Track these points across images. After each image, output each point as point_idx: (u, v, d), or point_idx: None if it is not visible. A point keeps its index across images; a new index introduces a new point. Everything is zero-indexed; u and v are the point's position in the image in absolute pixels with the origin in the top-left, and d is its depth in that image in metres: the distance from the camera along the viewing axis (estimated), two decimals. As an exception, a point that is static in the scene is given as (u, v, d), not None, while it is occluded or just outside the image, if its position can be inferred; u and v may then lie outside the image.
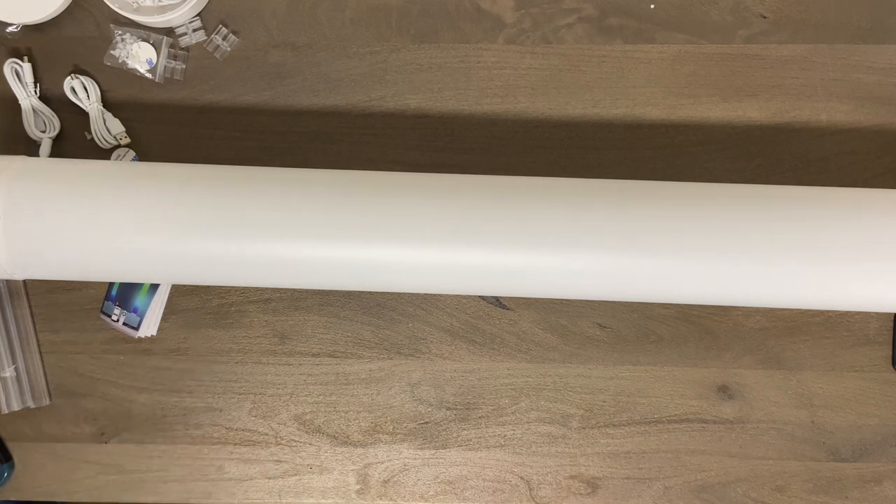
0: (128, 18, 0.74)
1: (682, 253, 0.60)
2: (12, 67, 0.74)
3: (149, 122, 0.75)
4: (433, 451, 0.73)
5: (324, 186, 0.62)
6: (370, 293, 0.74)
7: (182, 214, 0.61)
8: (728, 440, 0.72)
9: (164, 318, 0.74)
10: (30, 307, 0.75)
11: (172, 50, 0.75)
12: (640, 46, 0.73)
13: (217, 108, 0.75)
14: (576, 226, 0.61)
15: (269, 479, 0.73)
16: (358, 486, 0.73)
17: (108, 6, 0.73)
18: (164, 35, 0.74)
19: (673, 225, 0.61)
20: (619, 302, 0.70)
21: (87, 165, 0.66)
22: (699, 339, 0.72)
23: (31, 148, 0.75)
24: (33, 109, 0.74)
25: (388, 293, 0.73)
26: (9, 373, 0.73)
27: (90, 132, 0.74)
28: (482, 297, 0.73)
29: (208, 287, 0.73)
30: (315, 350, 0.73)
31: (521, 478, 0.73)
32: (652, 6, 0.74)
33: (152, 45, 0.74)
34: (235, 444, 0.73)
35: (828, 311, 0.72)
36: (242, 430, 0.73)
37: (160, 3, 0.73)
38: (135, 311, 0.72)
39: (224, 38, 0.75)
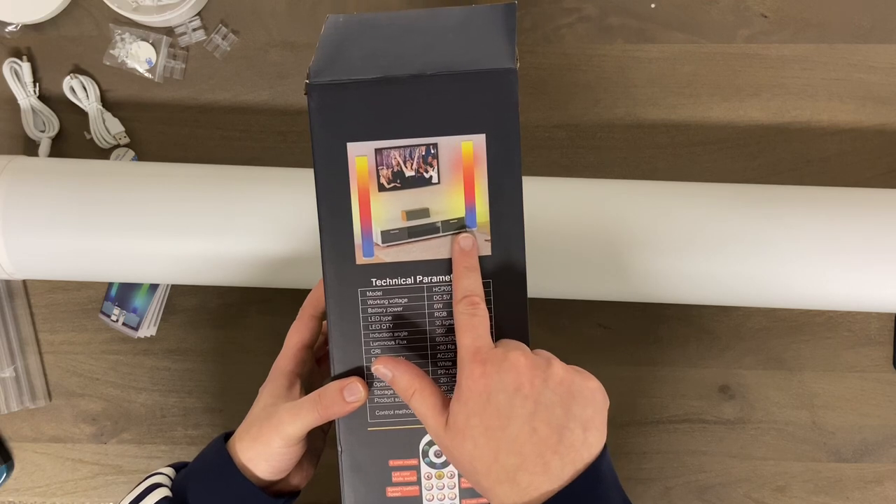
0: (127, 18, 0.74)
1: (682, 253, 0.60)
2: (11, 67, 0.74)
3: (148, 122, 0.75)
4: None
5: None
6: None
7: (181, 214, 0.61)
8: (729, 440, 0.72)
9: (163, 318, 0.74)
10: (29, 307, 0.75)
11: (172, 49, 0.75)
12: (641, 46, 0.73)
13: (217, 108, 0.75)
14: (576, 225, 0.60)
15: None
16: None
17: (107, 5, 0.73)
18: (163, 34, 0.74)
19: (673, 225, 0.61)
20: (619, 302, 0.70)
21: (87, 165, 0.66)
22: (699, 339, 0.72)
23: (30, 148, 0.75)
24: (32, 109, 0.74)
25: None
26: (8, 373, 0.73)
27: (89, 132, 0.74)
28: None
29: (208, 287, 0.73)
30: (315, 350, 0.73)
31: (522, 478, 0.73)
32: (653, 5, 0.74)
33: (152, 44, 0.74)
34: (235, 445, 0.73)
35: (829, 312, 0.72)
36: (242, 430, 0.73)
37: (159, 3, 0.73)
38: (134, 311, 0.72)
39: (224, 38, 0.75)
